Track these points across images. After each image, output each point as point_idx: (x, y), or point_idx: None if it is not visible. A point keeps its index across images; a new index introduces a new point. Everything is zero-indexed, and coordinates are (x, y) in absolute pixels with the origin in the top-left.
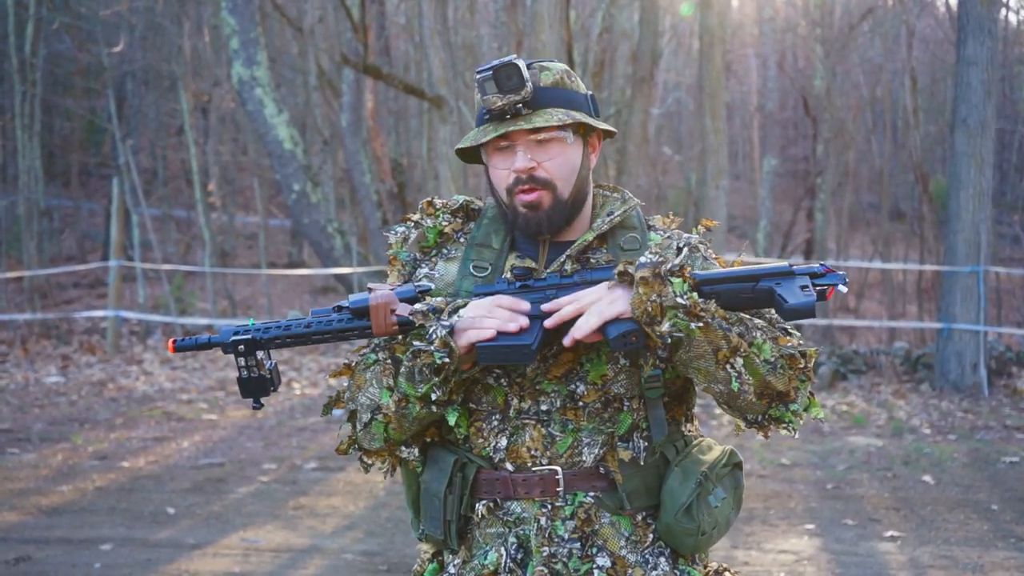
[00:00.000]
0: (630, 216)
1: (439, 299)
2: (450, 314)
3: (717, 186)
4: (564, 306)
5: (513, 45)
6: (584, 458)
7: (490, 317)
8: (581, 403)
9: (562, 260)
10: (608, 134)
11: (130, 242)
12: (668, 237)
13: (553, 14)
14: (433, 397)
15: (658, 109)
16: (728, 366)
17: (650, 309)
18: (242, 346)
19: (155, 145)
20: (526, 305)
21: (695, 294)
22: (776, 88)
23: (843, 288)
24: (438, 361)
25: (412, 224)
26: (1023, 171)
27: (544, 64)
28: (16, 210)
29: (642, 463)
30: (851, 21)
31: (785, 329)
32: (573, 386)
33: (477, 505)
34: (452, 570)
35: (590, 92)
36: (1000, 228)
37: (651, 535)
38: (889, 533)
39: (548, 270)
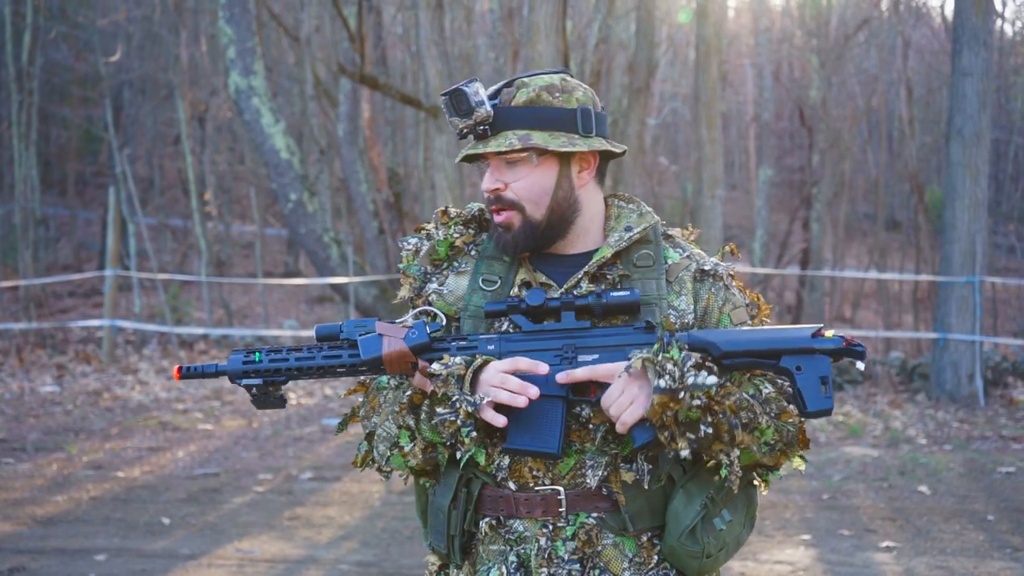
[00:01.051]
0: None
1: (457, 361)
2: (471, 380)
3: (713, 196)
4: (579, 379)
5: (509, 55)
6: (588, 480)
7: (507, 391)
8: (590, 425)
9: (579, 277)
10: (609, 153)
11: (126, 251)
12: (687, 256)
13: (549, 24)
14: (458, 455)
15: (654, 119)
16: (723, 454)
17: (666, 421)
18: (253, 387)
19: (152, 154)
20: (544, 368)
21: (711, 390)
22: (772, 98)
23: (860, 365)
24: (466, 439)
25: (424, 235)
26: (1019, 181)
27: (525, 80)
28: (12, 219)
29: (646, 486)
30: (847, 32)
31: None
32: (579, 408)
33: (481, 521)
34: None
35: (584, 106)
36: (996, 238)
37: (656, 556)
38: (885, 543)
39: (563, 287)
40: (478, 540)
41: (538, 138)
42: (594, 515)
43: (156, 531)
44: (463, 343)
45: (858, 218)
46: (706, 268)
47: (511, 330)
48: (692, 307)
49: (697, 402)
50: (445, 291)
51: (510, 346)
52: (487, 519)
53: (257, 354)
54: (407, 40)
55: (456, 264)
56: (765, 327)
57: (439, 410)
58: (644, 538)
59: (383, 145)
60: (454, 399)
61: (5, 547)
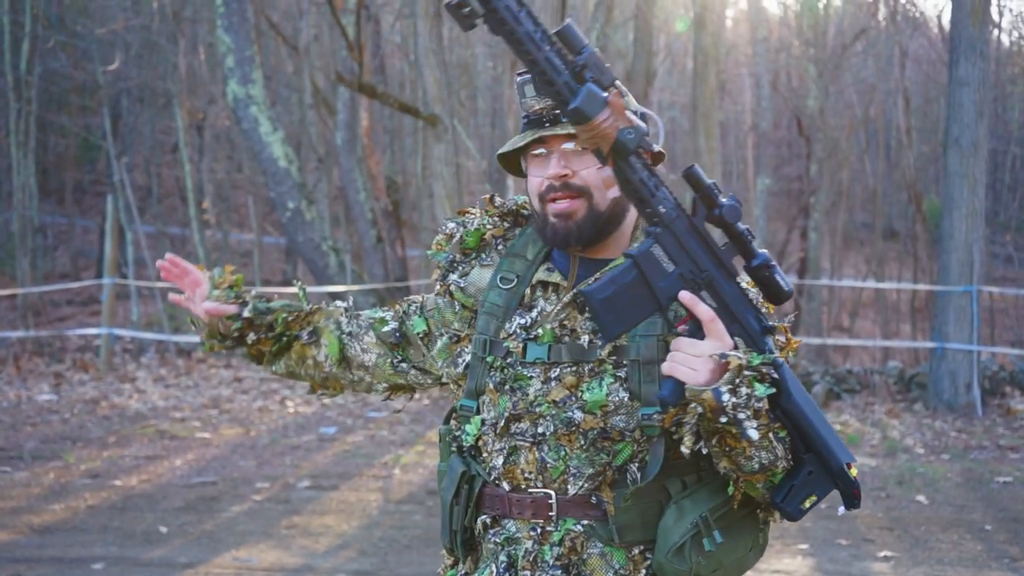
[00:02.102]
0: None
1: None
2: None
3: None
4: (697, 311)
5: (507, 65)
6: (568, 488)
7: None
8: (580, 430)
9: (589, 282)
10: (658, 156)
11: (124, 259)
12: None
13: None
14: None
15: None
16: (728, 472)
17: (690, 412)
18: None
19: (150, 163)
20: (670, 270)
21: (747, 438)
22: (770, 108)
23: (841, 510)
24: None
25: (461, 222)
26: (1016, 191)
27: None
28: (10, 227)
29: (626, 499)
30: (844, 41)
31: None
32: (570, 412)
33: (479, 519)
34: None
35: (641, 110)
36: (993, 248)
37: (644, 570)
38: (883, 553)
39: (574, 289)
40: (480, 537)
41: None
42: (583, 522)
43: (153, 540)
44: None
45: (856, 227)
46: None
47: None
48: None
49: (731, 429)
50: (465, 283)
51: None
52: (483, 517)
53: None
54: (405, 49)
55: (484, 256)
56: (827, 421)
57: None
58: (635, 551)
59: (381, 153)
60: None
61: (2, 556)
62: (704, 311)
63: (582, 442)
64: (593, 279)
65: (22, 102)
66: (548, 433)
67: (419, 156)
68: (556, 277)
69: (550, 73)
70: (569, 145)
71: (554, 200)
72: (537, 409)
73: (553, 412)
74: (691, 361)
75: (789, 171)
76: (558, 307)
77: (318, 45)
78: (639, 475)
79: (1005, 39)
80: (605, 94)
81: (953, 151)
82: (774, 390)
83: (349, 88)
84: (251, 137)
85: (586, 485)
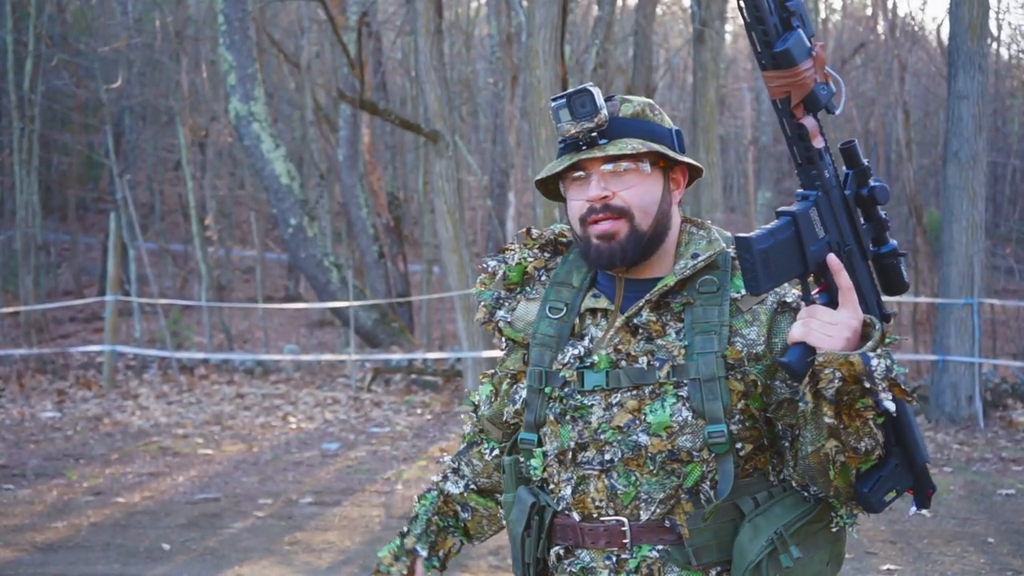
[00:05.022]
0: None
1: None
2: None
3: (711, 219)
4: (839, 280)
5: (508, 80)
6: (641, 514)
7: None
8: (647, 454)
9: (640, 305)
10: (695, 172)
11: (127, 276)
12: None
13: (548, 49)
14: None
15: None
16: (829, 458)
17: (824, 377)
18: None
19: (152, 180)
20: (821, 234)
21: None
22: (770, 121)
23: (913, 509)
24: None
25: (502, 258)
26: (1016, 203)
27: (627, 97)
28: (13, 244)
29: (704, 519)
30: (843, 55)
31: None
32: (635, 437)
33: (552, 550)
34: None
35: (676, 128)
36: (994, 260)
37: None
38: (886, 567)
39: (624, 314)
40: (553, 568)
41: (656, 147)
42: (658, 547)
43: (156, 557)
44: None
45: None
46: (788, 301)
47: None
48: (763, 338)
49: (864, 400)
50: (513, 318)
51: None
52: (556, 548)
53: None
54: (407, 65)
55: (528, 289)
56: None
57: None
58: (713, 573)
59: (383, 170)
60: None
61: (5, 574)
62: (846, 280)
63: (651, 466)
64: (685, 267)
65: (25, 120)
66: (616, 460)
67: (420, 172)
68: (603, 302)
69: (762, 10)
70: (608, 167)
71: (596, 222)
72: (602, 437)
73: (619, 438)
74: (828, 328)
75: (789, 185)
76: (611, 332)
77: (319, 62)
78: (712, 494)
79: (1004, 52)
80: (811, 45)
81: (952, 164)
82: (906, 370)
83: (351, 105)
84: (253, 154)
85: (658, 510)
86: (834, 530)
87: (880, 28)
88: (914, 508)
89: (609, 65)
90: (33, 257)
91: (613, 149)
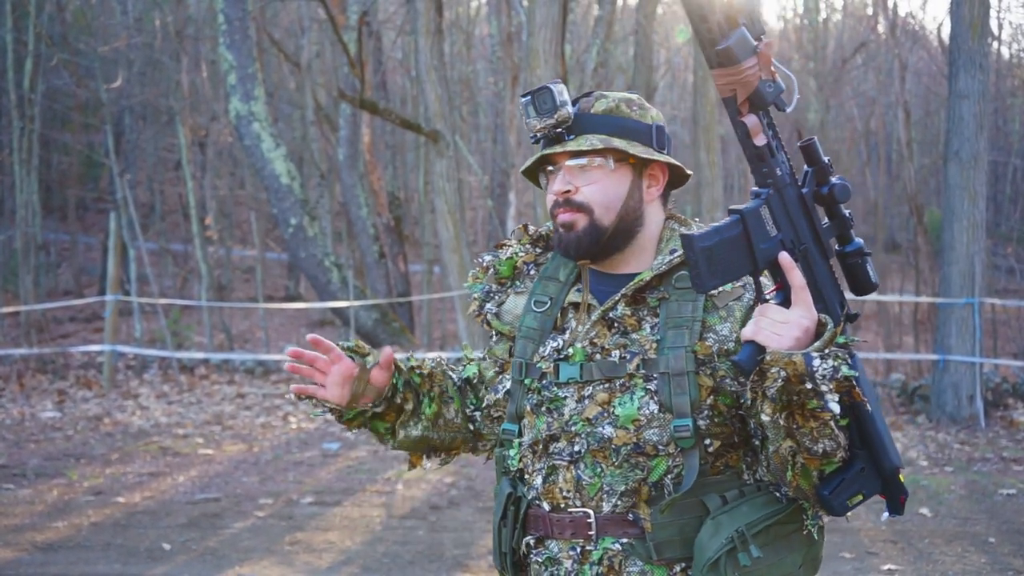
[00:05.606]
0: None
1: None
2: None
3: (712, 219)
4: (791, 279)
5: (509, 80)
6: (603, 506)
7: None
8: (612, 446)
9: (616, 299)
10: (677, 169)
11: (127, 276)
12: (742, 285)
13: (548, 49)
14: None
15: None
16: (785, 458)
17: (770, 376)
18: None
19: (152, 179)
20: (774, 234)
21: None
22: None
23: (884, 515)
24: None
25: (496, 253)
26: (1017, 203)
27: (605, 93)
28: (13, 244)
29: (661, 511)
30: (844, 55)
31: None
32: (601, 429)
33: (524, 540)
34: None
35: (659, 123)
36: (995, 259)
37: None
38: (887, 567)
39: (601, 307)
40: (523, 558)
41: (618, 143)
42: (622, 541)
43: (157, 557)
44: None
45: None
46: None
47: None
48: (736, 335)
49: (809, 401)
50: (501, 311)
51: None
52: (527, 538)
53: None
54: (407, 65)
55: (518, 283)
56: (886, 421)
57: None
58: (677, 568)
59: (383, 169)
60: None
61: (5, 574)
62: (798, 278)
63: (615, 459)
64: (670, 260)
65: (25, 120)
66: (583, 451)
67: (421, 171)
68: (589, 297)
69: (706, 9)
70: (573, 162)
71: (558, 213)
72: (572, 428)
73: (588, 430)
74: (777, 327)
75: None
76: (587, 326)
77: (320, 62)
78: (672, 483)
79: (1005, 51)
80: (756, 42)
81: (953, 163)
82: (856, 373)
83: (351, 104)
84: (253, 154)
85: (620, 503)
86: (805, 533)
87: (881, 27)
88: (886, 514)
89: (610, 64)
90: (33, 257)
91: (573, 146)
